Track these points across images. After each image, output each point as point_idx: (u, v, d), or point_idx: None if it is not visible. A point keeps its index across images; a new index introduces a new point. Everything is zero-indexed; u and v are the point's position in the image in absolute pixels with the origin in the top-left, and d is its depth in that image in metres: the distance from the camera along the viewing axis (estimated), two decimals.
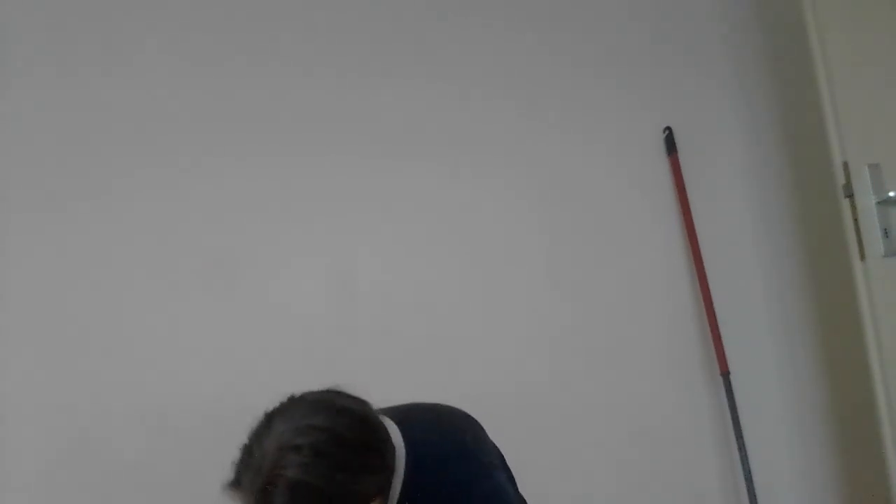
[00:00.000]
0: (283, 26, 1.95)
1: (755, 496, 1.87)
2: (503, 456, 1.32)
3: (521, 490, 1.30)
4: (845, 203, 1.70)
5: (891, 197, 1.65)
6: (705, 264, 2.03)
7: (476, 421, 1.30)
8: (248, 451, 1.06)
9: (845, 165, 1.70)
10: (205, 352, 1.77)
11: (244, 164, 1.87)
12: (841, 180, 1.71)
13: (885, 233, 1.65)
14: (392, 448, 1.12)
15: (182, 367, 1.76)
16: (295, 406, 1.10)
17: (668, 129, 2.13)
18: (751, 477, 1.89)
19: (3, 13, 1.80)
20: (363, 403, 1.15)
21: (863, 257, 1.67)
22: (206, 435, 1.71)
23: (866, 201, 1.67)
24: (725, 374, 1.96)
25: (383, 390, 1.83)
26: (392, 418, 1.19)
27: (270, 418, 1.08)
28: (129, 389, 1.72)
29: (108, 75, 1.83)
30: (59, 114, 1.80)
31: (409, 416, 1.22)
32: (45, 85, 1.80)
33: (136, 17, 1.87)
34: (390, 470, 1.11)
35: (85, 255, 1.76)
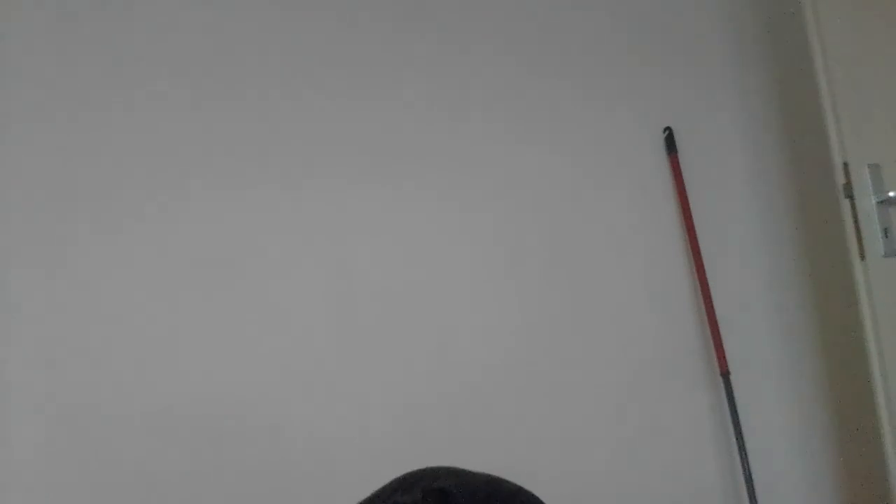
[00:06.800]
0: (282, 48, 1.95)
1: (755, 496, 1.87)
2: None
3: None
4: (845, 203, 1.70)
5: (891, 197, 1.65)
6: (705, 264, 2.04)
7: None
8: None
9: (845, 165, 1.70)
10: (206, 353, 1.77)
11: (245, 167, 1.87)
12: (841, 180, 1.71)
13: (885, 233, 1.65)
14: None
15: (183, 368, 1.75)
16: None
17: (668, 129, 2.13)
18: (751, 477, 1.89)
19: (4, 16, 1.80)
20: None
21: (863, 257, 1.67)
22: (208, 435, 1.72)
23: (866, 201, 1.67)
24: (725, 374, 1.96)
25: (384, 392, 1.86)
26: None
27: None
28: (131, 391, 1.72)
29: (113, 84, 1.83)
30: (62, 120, 1.80)
31: None
32: (47, 88, 1.80)
33: (145, 35, 1.87)
34: None
35: (87, 257, 1.76)
